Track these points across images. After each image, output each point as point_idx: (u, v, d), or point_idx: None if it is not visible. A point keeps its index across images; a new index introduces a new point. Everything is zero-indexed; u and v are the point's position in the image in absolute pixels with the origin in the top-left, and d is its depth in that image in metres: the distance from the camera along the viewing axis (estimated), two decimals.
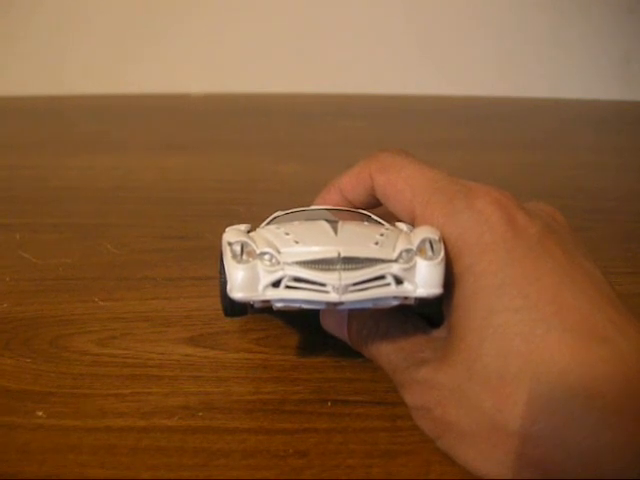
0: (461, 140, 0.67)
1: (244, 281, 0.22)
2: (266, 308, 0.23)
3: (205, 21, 0.83)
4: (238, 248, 0.22)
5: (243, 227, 0.25)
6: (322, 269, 0.22)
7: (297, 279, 0.22)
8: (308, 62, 0.84)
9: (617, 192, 0.52)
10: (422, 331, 0.25)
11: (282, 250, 0.22)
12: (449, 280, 0.23)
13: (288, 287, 0.22)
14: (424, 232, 0.23)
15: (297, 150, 0.63)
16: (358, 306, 0.23)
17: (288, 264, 0.22)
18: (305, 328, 0.31)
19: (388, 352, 0.25)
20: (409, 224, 0.26)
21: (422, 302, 0.23)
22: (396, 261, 0.22)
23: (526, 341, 0.20)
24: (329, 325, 0.29)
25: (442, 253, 0.22)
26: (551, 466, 0.20)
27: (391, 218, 0.27)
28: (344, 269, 0.22)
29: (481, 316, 0.21)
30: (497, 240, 0.22)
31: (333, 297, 0.21)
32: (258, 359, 0.29)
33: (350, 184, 0.29)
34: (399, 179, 0.26)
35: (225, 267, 0.23)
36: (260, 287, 0.22)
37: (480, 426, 0.21)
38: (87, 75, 0.82)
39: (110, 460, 0.23)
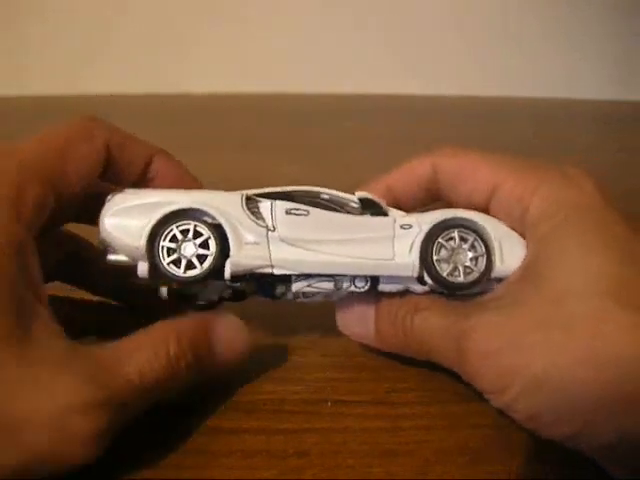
0: (462, 140, 0.67)
1: None
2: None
3: (205, 21, 0.83)
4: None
5: None
6: None
7: None
8: (308, 62, 0.84)
9: (616, 192, 0.52)
10: (466, 301, 0.26)
11: None
12: (531, 234, 0.24)
13: None
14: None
15: (297, 150, 0.63)
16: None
17: None
18: (305, 328, 0.31)
19: (437, 316, 0.25)
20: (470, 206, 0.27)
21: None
22: None
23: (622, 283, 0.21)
24: (349, 321, 0.28)
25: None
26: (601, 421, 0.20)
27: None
28: None
29: (577, 261, 0.22)
30: (591, 204, 0.24)
31: None
32: (258, 359, 0.29)
33: (401, 179, 0.29)
34: (474, 159, 0.27)
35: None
36: None
37: (571, 358, 0.21)
38: (87, 75, 0.82)
39: (109, 459, 0.23)
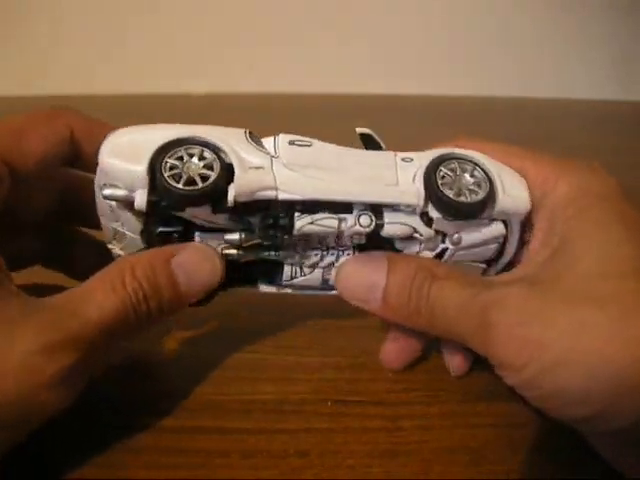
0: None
1: None
2: None
3: (206, 21, 0.83)
4: None
5: None
6: None
7: None
8: (308, 62, 0.84)
9: None
10: (483, 276, 0.26)
11: None
12: (556, 218, 0.25)
13: None
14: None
15: None
16: None
17: None
18: (305, 328, 0.31)
19: (456, 288, 0.24)
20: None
21: None
22: None
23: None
24: (352, 284, 0.26)
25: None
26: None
27: None
28: None
29: (604, 245, 0.23)
30: (613, 194, 0.24)
31: None
32: (258, 359, 0.29)
33: None
34: (495, 146, 0.27)
35: None
36: None
37: (602, 335, 0.20)
38: (87, 76, 0.82)
39: (108, 459, 0.23)
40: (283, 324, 0.31)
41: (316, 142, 0.25)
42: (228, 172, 0.23)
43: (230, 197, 0.23)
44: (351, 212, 0.25)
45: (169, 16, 0.84)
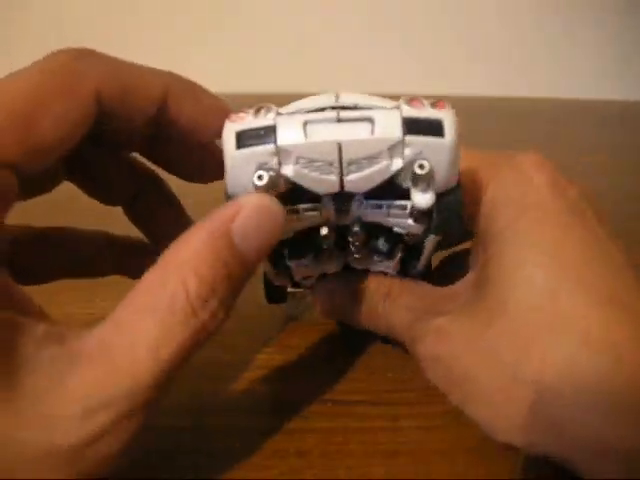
0: (462, 139, 0.66)
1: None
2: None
3: (206, 21, 0.83)
4: None
5: None
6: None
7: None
8: (308, 62, 0.84)
9: (616, 192, 0.52)
10: (437, 290, 0.26)
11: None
12: (484, 237, 0.23)
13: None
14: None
15: None
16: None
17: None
18: (305, 328, 0.31)
19: (402, 310, 0.25)
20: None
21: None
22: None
23: (553, 298, 0.20)
24: (327, 303, 0.28)
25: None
26: (568, 425, 0.19)
27: None
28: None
29: (511, 268, 0.21)
30: (539, 200, 0.22)
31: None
32: (258, 359, 0.29)
33: None
34: None
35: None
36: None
37: (498, 379, 0.21)
38: None
39: None
40: (283, 324, 0.31)
41: None
42: None
43: None
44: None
45: (169, 16, 0.84)
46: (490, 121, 0.74)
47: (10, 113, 0.18)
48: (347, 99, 0.21)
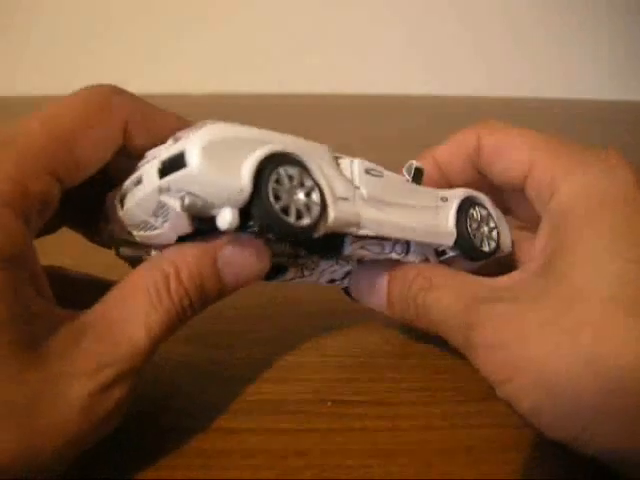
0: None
1: None
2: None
3: (206, 21, 0.83)
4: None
5: None
6: None
7: None
8: (308, 62, 0.84)
9: None
10: (486, 280, 0.25)
11: None
12: (557, 223, 0.24)
13: None
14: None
15: None
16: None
17: None
18: (305, 328, 0.31)
19: (449, 299, 0.24)
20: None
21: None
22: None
23: (637, 289, 0.20)
24: (362, 291, 0.28)
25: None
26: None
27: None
28: None
29: (593, 258, 0.22)
30: (625, 195, 0.23)
31: None
32: (258, 359, 0.29)
33: (448, 152, 0.29)
34: (513, 136, 0.27)
35: None
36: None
37: (574, 364, 0.20)
38: (87, 76, 0.82)
39: (107, 459, 0.23)
40: (283, 324, 0.32)
41: (385, 172, 0.25)
42: (323, 199, 0.21)
43: (320, 232, 0.21)
44: (390, 239, 0.26)
45: (169, 16, 0.84)
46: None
47: (56, 135, 0.21)
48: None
